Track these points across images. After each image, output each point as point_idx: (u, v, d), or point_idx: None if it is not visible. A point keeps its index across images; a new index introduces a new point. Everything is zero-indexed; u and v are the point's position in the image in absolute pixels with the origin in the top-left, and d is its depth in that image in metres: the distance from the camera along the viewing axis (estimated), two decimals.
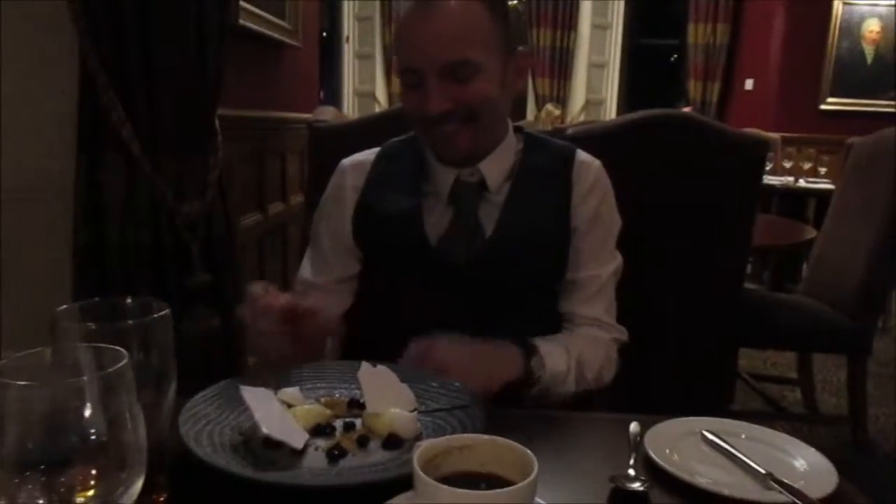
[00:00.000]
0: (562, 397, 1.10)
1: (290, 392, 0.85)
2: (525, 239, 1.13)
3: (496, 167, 1.17)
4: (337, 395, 0.88)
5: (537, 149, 1.21)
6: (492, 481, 0.54)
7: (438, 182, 1.17)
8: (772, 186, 4.26)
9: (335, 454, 0.74)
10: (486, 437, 0.58)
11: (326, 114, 2.99)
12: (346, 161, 1.25)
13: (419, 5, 1.08)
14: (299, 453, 0.74)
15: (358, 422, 0.81)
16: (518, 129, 1.23)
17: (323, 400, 0.86)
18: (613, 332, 1.19)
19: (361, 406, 0.84)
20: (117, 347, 0.50)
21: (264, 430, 0.73)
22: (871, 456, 2.50)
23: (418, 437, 0.78)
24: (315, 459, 0.74)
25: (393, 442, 0.77)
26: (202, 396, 0.83)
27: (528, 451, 0.54)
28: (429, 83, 1.07)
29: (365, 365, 0.86)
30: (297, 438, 0.74)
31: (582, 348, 1.12)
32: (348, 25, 6.42)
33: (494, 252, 1.12)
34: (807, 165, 4.97)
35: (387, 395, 0.83)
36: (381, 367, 0.86)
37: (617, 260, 1.21)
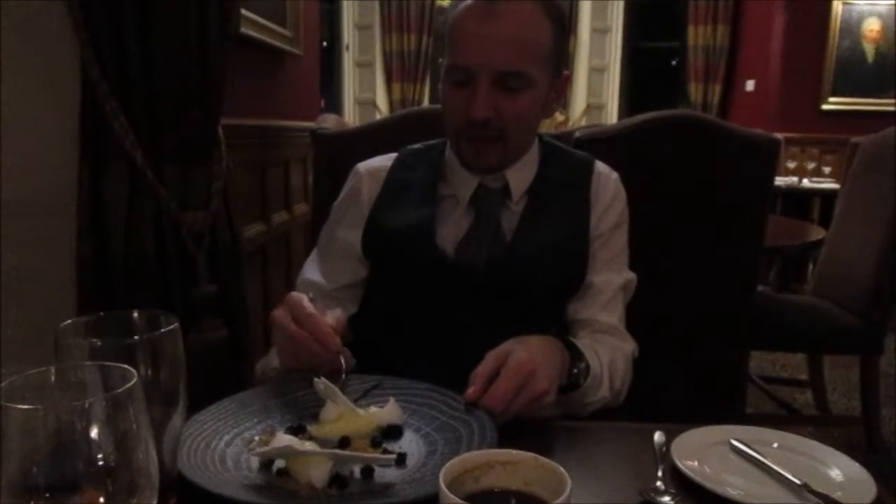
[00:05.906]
0: (587, 410, 1.03)
1: (287, 438, 0.75)
2: (545, 245, 1.11)
3: (520, 176, 1.15)
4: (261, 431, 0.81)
5: (555, 159, 1.20)
6: (522, 499, 0.51)
7: (459, 185, 1.15)
8: (776, 187, 4.23)
9: (369, 469, 0.71)
10: (517, 451, 0.55)
11: (329, 122, 2.96)
12: (363, 166, 1.22)
13: (487, 3, 1.03)
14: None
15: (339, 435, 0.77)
16: (539, 137, 1.21)
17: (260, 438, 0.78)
18: (630, 344, 1.15)
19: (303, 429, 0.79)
20: (125, 366, 0.47)
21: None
22: (886, 457, 2.46)
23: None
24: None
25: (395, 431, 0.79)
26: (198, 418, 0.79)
27: (561, 469, 0.51)
28: (479, 86, 1.03)
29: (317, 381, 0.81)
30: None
31: (611, 355, 1.07)
32: (348, 34, 6.41)
33: (516, 257, 1.09)
34: (810, 165, 4.96)
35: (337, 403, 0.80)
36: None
37: (629, 275, 1.18)
